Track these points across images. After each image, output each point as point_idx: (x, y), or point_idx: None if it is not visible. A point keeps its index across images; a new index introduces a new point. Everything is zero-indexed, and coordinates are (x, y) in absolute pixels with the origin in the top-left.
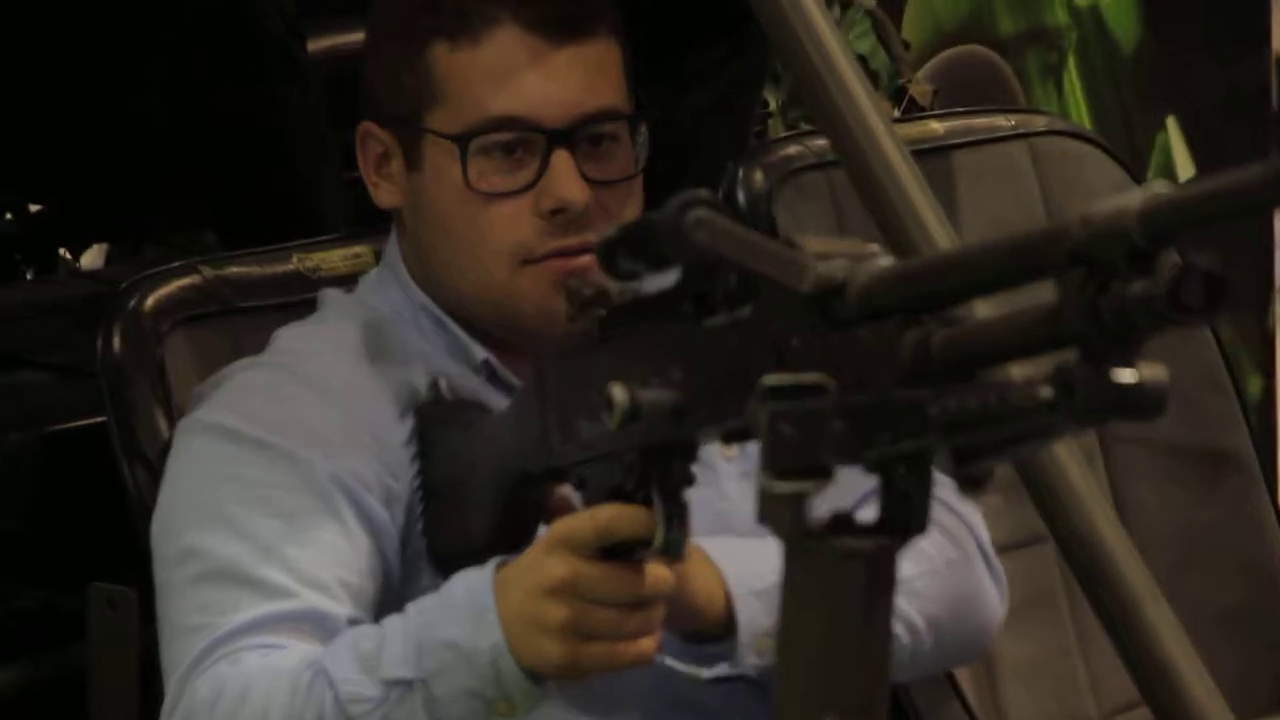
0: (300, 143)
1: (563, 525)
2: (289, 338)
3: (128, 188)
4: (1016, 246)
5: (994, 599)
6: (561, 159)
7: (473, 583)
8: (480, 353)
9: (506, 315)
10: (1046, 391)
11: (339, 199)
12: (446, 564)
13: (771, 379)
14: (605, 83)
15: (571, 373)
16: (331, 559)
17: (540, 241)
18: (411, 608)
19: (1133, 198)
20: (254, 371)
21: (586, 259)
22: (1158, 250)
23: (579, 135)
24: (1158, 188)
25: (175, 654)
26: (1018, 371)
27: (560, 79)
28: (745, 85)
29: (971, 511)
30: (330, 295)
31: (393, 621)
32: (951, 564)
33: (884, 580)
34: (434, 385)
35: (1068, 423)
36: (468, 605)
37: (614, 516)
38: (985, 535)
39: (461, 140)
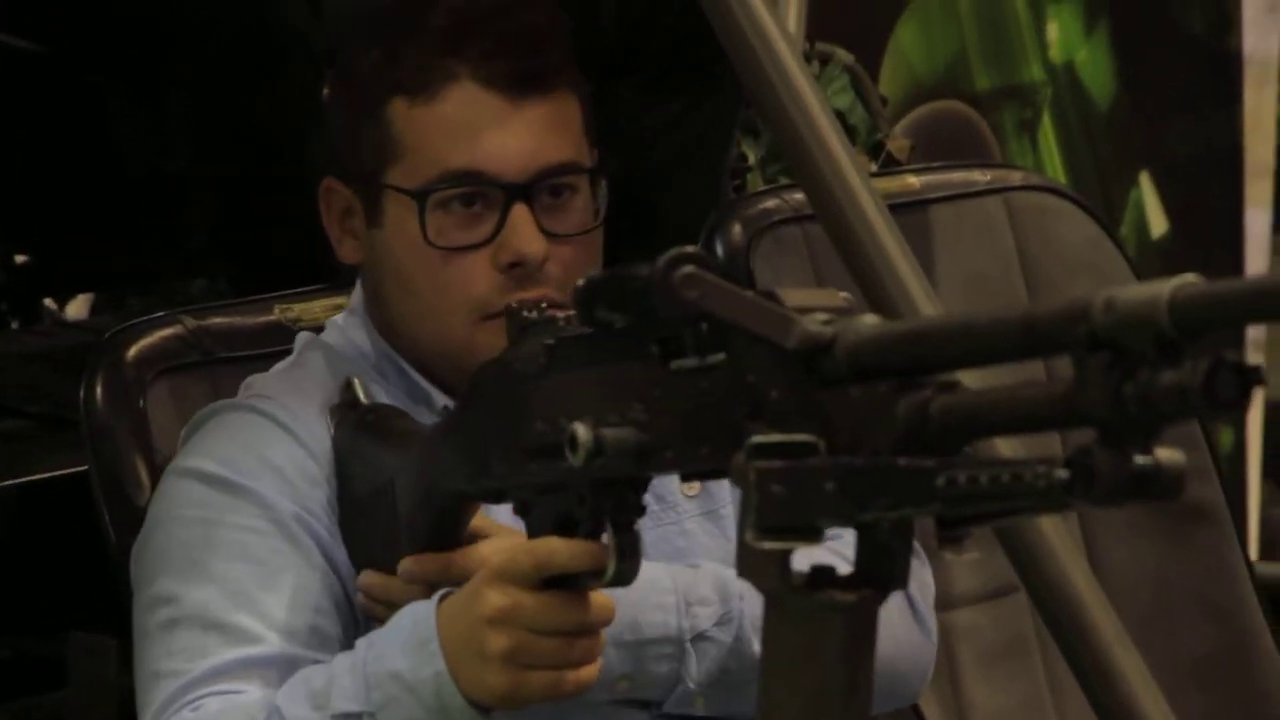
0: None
1: (503, 556)
2: (261, 381)
3: (115, 237)
4: (1028, 322)
5: (920, 646)
6: (520, 213)
7: (417, 614)
8: (440, 399)
9: (463, 368)
10: (1064, 473)
11: None
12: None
13: (760, 438)
14: (564, 137)
15: (514, 397)
16: (299, 602)
17: (499, 295)
18: (361, 643)
19: (1162, 286)
20: (226, 414)
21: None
22: (1187, 342)
23: (537, 189)
24: (1189, 279)
25: (146, 698)
26: (1006, 446)
27: (519, 134)
28: (710, 139)
29: (919, 567)
30: (303, 338)
31: (343, 658)
32: None
33: (865, 632)
34: (348, 386)
35: (1084, 505)
36: (412, 637)
37: (557, 551)
38: (920, 581)
39: (420, 195)
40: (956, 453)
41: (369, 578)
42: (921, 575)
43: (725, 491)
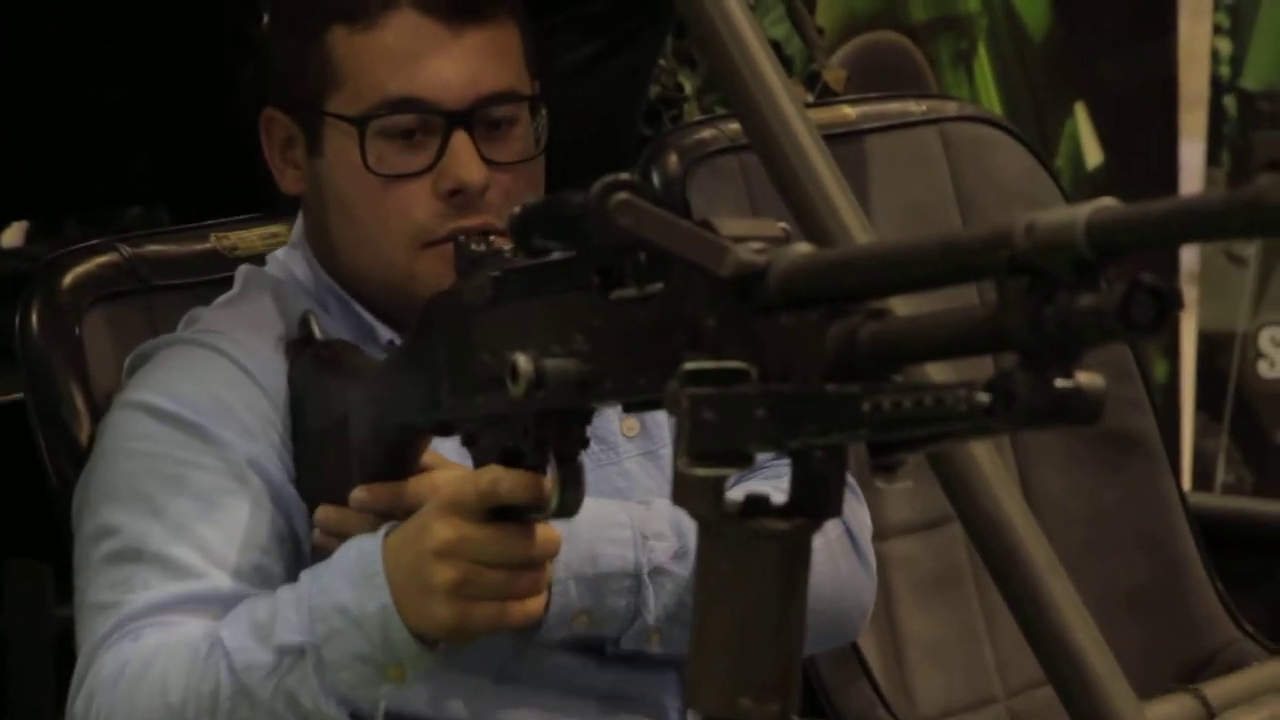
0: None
1: (450, 488)
2: (210, 315)
3: (51, 165)
4: (951, 248)
5: (861, 584)
6: (460, 140)
7: (363, 547)
8: (385, 333)
9: (406, 296)
10: (985, 397)
11: None
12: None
13: (692, 364)
14: (504, 65)
15: (462, 330)
16: (242, 540)
17: (439, 223)
18: (305, 575)
19: (1080, 210)
20: (177, 348)
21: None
22: (1105, 265)
23: (477, 117)
24: (1106, 202)
25: (86, 629)
26: (937, 371)
27: (459, 61)
28: (640, 71)
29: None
30: (245, 271)
31: (286, 590)
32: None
33: (799, 561)
34: (304, 322)
35: (1005, 427)
36: (357, 569)
37: (500, 479)
38: (857, 521)
39: (359, 122)
40: (886, 379)
41: (324, 511)
42: (860, 514)
43: (664, 431)
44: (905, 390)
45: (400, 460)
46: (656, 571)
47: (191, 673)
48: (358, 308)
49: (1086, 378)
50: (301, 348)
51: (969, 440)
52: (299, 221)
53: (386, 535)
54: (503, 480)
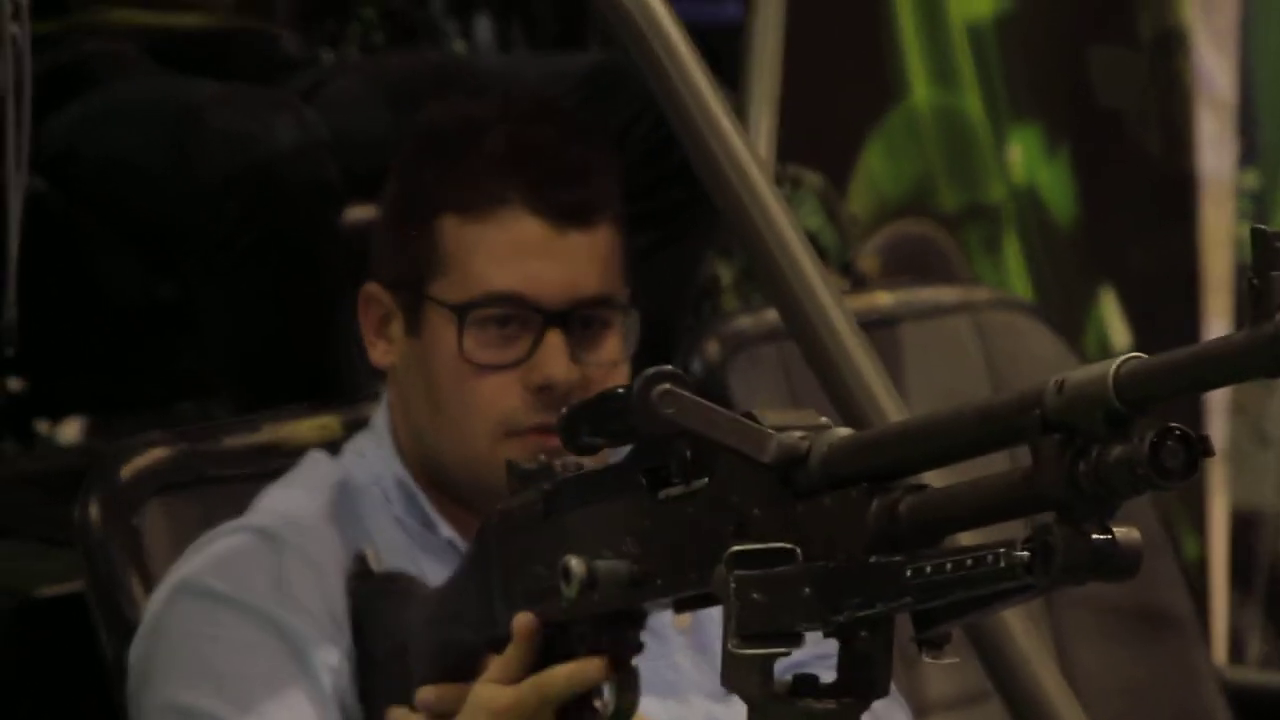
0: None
1: (508, 696)
2: (274, 501)
3: (105, 361)
4: (984, 414)
5: None
6: (554, 338)
7: None
8: (446, 531)
9: (484, 485)
10: (1024, 554)
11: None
12: None
13: (739, 547)
14: (603, 270)
15: (517, 545)
16: (308, 715)
17: (526, 415)
18: None
19: (1109, 364)
20: (240, 536)
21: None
22: (1135, 416)
23: (573, 318)
24: (1133, 355)
25: None
26: (973, 536)
27: (561, 263)
28: (684, 270)
29: (885, 706)
30: (315, 458)
31: None
32: None
33: None
34: (360, 558)
35: (1045, 583)
36: None
37: (558, 676)
38: None
39: (461, 311)
40: (927, 549)
41: (396, 713)
42: (899, 718)
43: (716, 626)
44: (945, 554)
45: (459, 679)
46: None
47: None
48: (424, 501)
49: (1122, 531)
50: (360, 582)
51: (1010, 603)
52: (382, 407)
53: None
54: (560, 675)
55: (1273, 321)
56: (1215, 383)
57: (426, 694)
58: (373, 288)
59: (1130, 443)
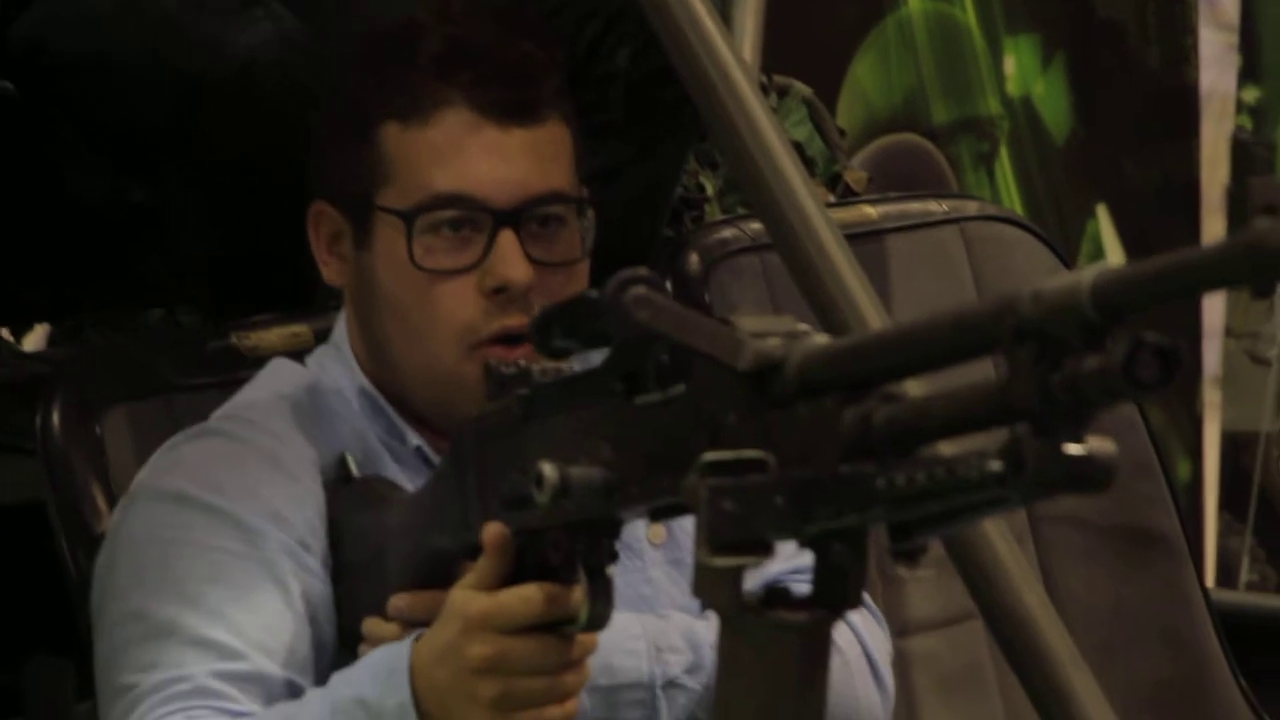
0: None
1: (480, 604)
2: (240, 406)
3: (72, 267)
4: (960, 323)
5: (875, 707)
6: (506, 239)
7: (390, 648)
8: (414, 439)
9: (447, 399)
10: (996, 464)
11: None
12: (359, 638)
13: (711, 455)
14: (554, 166)
15: (494, 450)
16: (275, 625)
17: (484, 321)
18: (334, 675)
19: (1085, 274)
20: (206, 439)
21: (527, 350)
22: (1110, 326)
23: (525, 216)
24: (1107, 264)
25: (112, 712)
26: (949, 446)
27: (509, 160)
28: (665, 179)
29: (865, 620)
30: (280, 363)
31: (315, 690)
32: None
33: (819, 653)
34: (341, 463)
35: (1018, 495)
36: (383, 666)
37: (532, 599)
38: (876, 644)
39: (408, 216)
40: (902, 459)
41: (369, 625)
42: (878, 637)
43: (690, 540)
44: (918, 465)
45: (435, 585)
46: (670, 684)
47: None
48: (390, 411)
49: (1097, 443)
50: (338, 487)
51: (984, 515)
52: (340, 320)
53: (415, 640)
54: (534, 598)
55: (1248, 227)
56: (1191, 291)
57: (400, 601)
58: (320, 205)
59: (1105, 353)
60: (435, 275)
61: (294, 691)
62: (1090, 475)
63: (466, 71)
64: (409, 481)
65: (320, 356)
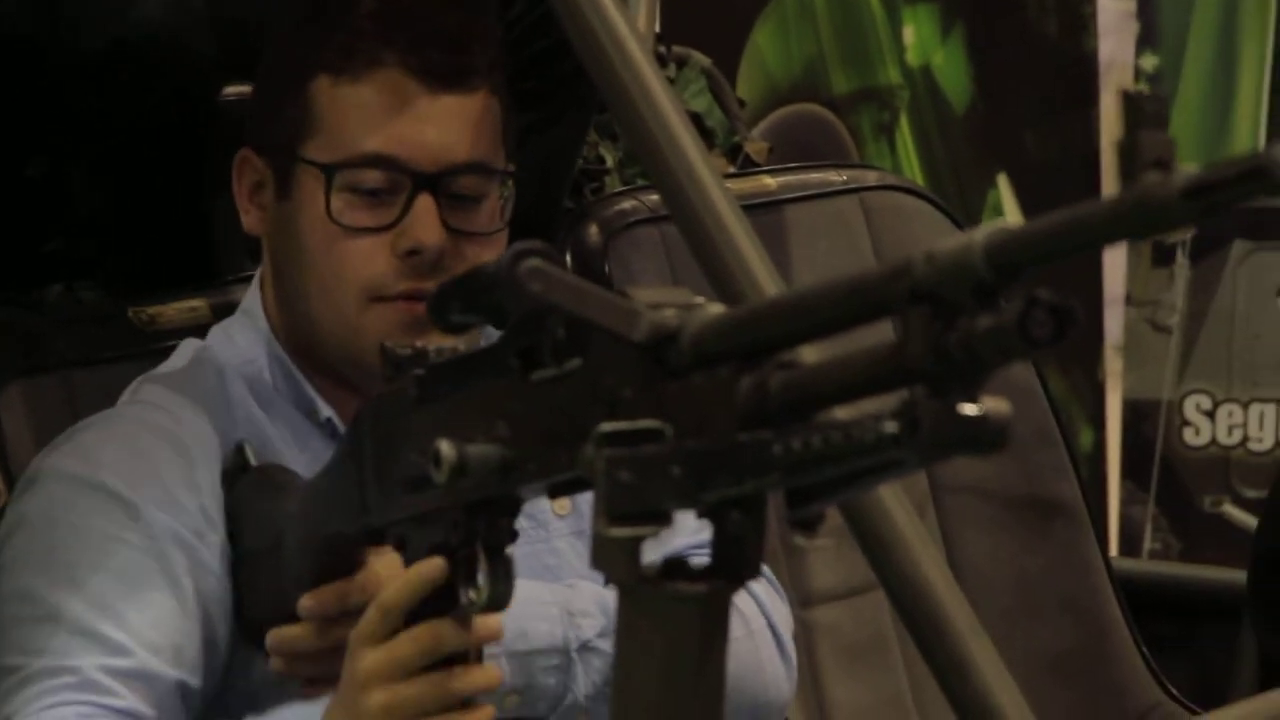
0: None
1: (372, 660)
2: (145, 392)
3: None
4: (855, 287)
5: (780, 678)
6: (424, 203)
7: (298, 712)
8: (325, 410)
9: (351, 352)
10: (892, 426)
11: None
12: (258, 631)
13: (607, 426)
14: (480, 136)
15: (390, 433)
16: (165, 623)
17: (393, 280)
18: None
19: (977, 233)
20: (109, 425)
21: None
22: (1003, 286)
23: (445, 182)
24: (1000, 224)
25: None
26: (847, 411)
27: (435, 126)
28: (566, 151)
29: (767, 591)
30: (189, 344)
31: None
32: (735, 640)
33: (718, 623)
34: (239, 450)
35: (913, 457)
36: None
37: (428, 569)
38: (780, 616)
39: (330, 170)
40: (798, 425)
41: (274, 634)
42: (781, 608)
43: None
44: (814, 429)
45: (335, 572)
46: (584, 648)
47: None
48: (301, 380)
49: (992, 403)
50: (237, 475)
51: (882, 479)
52: (252, 289)
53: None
54: (430, 572)
55: (1137, 182)
56: (1083, 247)
57: (306, 601)
58: (246, 153)
59: (998, 312)
60: (350, 232)
61: (184, 693)
62: (985, 436)
63: (403, 33)
64: (319, 454)
65: (228, 327)
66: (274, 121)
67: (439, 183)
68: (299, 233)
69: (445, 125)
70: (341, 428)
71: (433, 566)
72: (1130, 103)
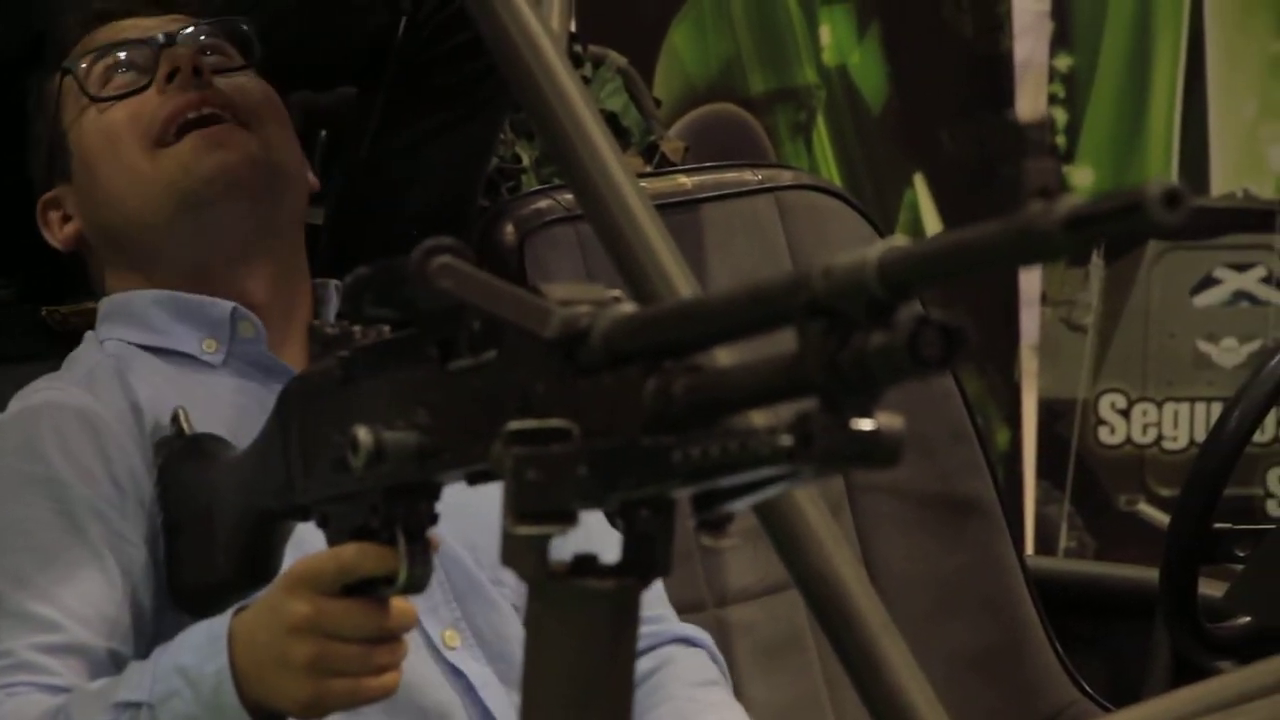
0: None
1: (303, 564)
2: (37, 383)
3: None
4: (757, 296)
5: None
6: (170, 49)
7: (213, 621)
8: (224, 305)
9: (177, 208)
10: (786, 439)
11: None
12: (188, 599)
13: (516, 424)
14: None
15: (315, 412)
16: (91, 593)
17: (159, 106)
18: (157, 648)
19: (872, 251)
20: (10, 413)
21: (223, 126)
22: (897, 302)
23: (187, 40)
24: (896, 241)
25: None
26: (762, 419)
27: (159, 23)
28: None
29: (700, 634)
30: (73, 353)
31: (136, 661)
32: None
33: (627, 619)
34: (175, 418)
35: (807, 469)
36: (204, 635)
37: (356, 555)
38: (720, 672)
39: (80, 81)
40: (704, 430)
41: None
42: (710, 643)
43: None
44: (714, 438)
45: (263, 548)
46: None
47: None
48: (185, 295)
49: (885, 419)
50: (171, 442)
51: (781, 487)
52: (102, 302)
53: (238, 611)
54: (362, 555)
55: (1024, 209)
56: (972, 269)
57: None
58: (42, 200)
59: (890, 330)
60: (114, 103)
61: (117, 662)
62: (878, 451)
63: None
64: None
65: (100, 326)
66: (40, 145)
67: (178, 40)
68: (85, 162)
69: (167, 21)
70: (250, 316)
71: (379, 554)
72: (1015, 131)
